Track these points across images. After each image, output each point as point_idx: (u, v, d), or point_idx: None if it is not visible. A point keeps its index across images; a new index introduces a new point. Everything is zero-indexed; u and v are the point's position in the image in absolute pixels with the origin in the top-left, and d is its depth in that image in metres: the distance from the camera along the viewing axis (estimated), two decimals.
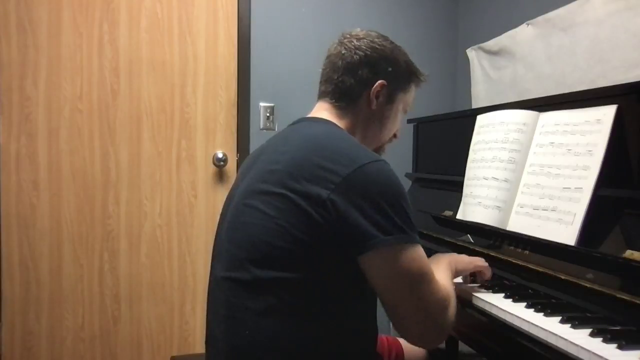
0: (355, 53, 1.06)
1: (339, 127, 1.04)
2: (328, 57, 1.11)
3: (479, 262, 1.18)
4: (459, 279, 1.29)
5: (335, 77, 1.07)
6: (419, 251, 0.89)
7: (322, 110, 1.09)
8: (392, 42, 1.11)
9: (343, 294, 0.87)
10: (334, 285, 0.88)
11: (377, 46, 1.08)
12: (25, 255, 2.09)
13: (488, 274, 1.19)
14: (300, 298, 0.90)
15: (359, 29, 1.11)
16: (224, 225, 1.04)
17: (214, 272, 1.05)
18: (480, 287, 1.20)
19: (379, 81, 1.07)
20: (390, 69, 1.08)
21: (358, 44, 1.07)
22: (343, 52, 1.07)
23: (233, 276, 0.95)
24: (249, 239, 0.93)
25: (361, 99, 1.07)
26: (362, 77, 1.06)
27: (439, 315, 0.90)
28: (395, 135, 1.18)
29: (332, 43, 1.12)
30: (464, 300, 1.15)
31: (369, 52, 1.07)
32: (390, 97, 1.10)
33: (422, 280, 0.88)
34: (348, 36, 1.10)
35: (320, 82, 1.12)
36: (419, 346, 0.96)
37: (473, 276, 1.23)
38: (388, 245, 0.86)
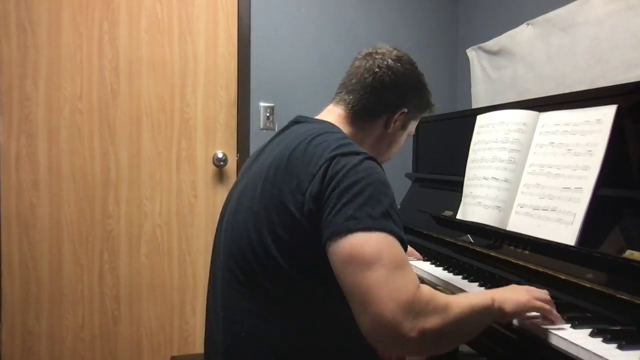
0: (386, 75, 1.06)
1: (337, 127, 1.04)
2: (357, 67, 1.10)
3: (539, 304, 0.93)
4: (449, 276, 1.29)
5: (362, 93, 1.07)
6: (386, 238, 0.81)
7: (332, 115, 1.09)
8: (418, 71, 1.13)
9: (337, 293, 0.85)
10: (326, 283, 0.86)
11: (408, 74, 1.09)
12: (25, 255, 2.09)
13: (556, 319, 0.93)
14: (294, 298, 0.90)
15: (389, 47, 1.11)
16: (222, 226, 1.06)
17: (212, 272, 1.06)
18: (480, 286, 1.20)
19: (403, 109, 1.09)
20: (414, 100, 1.11)
21: (392, 65, 1.07)
22: (375, 69, 1.07)
23: (229, 276, 0.95)
24: (243, 238, 0.93)
25: (379, 120, 1.09)
26: (387, 101, 1.08)
27: (396, 310, 0.75)
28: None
29: (361, 53, 1.11)
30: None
31: (400, 80, 1.08)
32: (405, 123, 1.13)
33: (377, 263, 0.77)
34: (380, 53, 1.09)
35: (343, 87, 1.11)
36: (378, 348, 0.80)
37: None
38: (349, 230, 0.80)
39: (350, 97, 1.08)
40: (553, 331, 0.89)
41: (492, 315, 0.88)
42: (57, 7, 2.10)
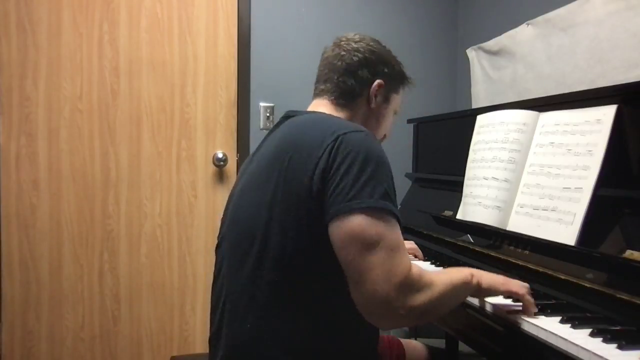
0: (354, 55, 1.11)
1: (328, 114, 1.07)
2: (325, 59, 1.15)
3: (515, 287, 0.99)
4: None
5: (336, 78, 1.11)
6: (386, 220, 0.86)
7: (318, 106, 1.12)
8: (384, 46, 1.17)
9: (341, 284, 0.88)
10: (331, 273, 0.89)
11: (373, 49, 1.13)
12: (25, 255, 2.09)
13: (529, 303, 0.97)
14: (299, 289, 0.92)
15: (352, 33, 1.15)
16: (225, 224, 1.07)
17: (217, 268, 1.07)
18: None
19: (377, 81, 1.11)
20: (386, 70, 1.13)
21: (356, 46, 1.11)
22: (342, 53, 1.11)
23: (234, 270, 0.97)
24: (247, 231, 0.95)
25: (361, 98, 1.12)
26: (362, 78, 1.11)
27: (389, 290, 0.82)
28: (384, 136, 1.22)
29: (327, 46, 1.16)
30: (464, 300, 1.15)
31: (367, 54, 1.11)
32: (386, 97, 1.15)
33: (377, 246, 0.83)
34: (345, 39, 1.14)
35: (318, 81, 1.15)
36: (371, 322, 0.87)
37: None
38: (350, 209, 0.85)
39: (328, 85, 1.12)
40: (553, 331, 0.89)
41: (470, 289, 0.96)
42: (57, 7, 2.10)
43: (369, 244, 0.84)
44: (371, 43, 1.13)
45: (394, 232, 0.86)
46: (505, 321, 1.00)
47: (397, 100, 1.19)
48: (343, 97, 1.11)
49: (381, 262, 0.83)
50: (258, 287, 0.93)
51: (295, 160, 0.92)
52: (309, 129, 0.96)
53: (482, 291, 0.99)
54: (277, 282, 0.92)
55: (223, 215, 1.11)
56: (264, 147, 1.05)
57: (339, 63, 1.11)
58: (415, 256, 1.56)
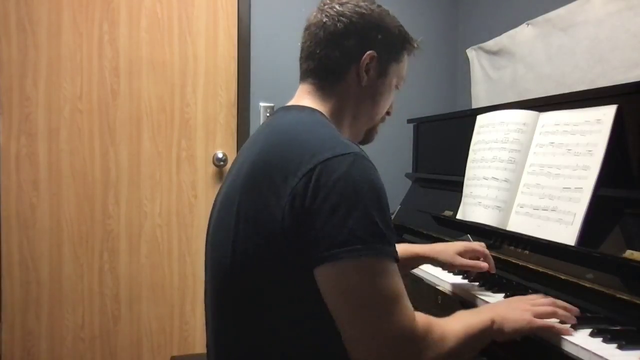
0: (338, 20, 0.92)
1: (315, 114, 0.92)
2: (307, 28, 0.97)
3: (540, 322, 0.87)
4: (458, 279, 1.29)
5: (318, 52, 0.94)
6: (381, 267, 0.74)
7: (304, 95, 0.96)
8: (379, 6, 0.98)
9: (318, 307, 0.77)
10: (308, 298, 0.79)
11: (363, 11, 0.94)
12: (25, 255, 2.09)
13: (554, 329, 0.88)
14: (278, 308, 0.82)
15: None
16: (209, 232, 1.00)
17: (205, 280, 1.01)
18: (480, 286, 1.20)
19: (369, 52, 0.93)
20: (380, 37, 0.95)
21: (341, 9, 0.93)
22: (324, 20, 0.93)
23: (216, 285, 0.90)
24: (225, 247, 0.86)
25: (349, 74, 0.94)
26: (349, 49, 0.93)
27: (386, 352, 0.72)
28: (388, 113, 1.05)
29: (312, 12, 0.98)
30: (464, 300, 1.15)
31: (354, 19, 0.93)
32: (382, 70, 0.96)
33: (371, 300, 0.73)
34: (329, 2, 0.96)
35: (301, 58, 0.98)
36: None
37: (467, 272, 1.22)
38: (339, 258, 0.72)
39: (311, 63, 0.95)
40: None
41: (490, 336, 0.86)
42: (57, 7, 2.10)
43: (361, 299, 0.72)
44: (361, 3, 0.94)
45: (390, 280, 0.74)
46: None
47: (399, 70, 1.00)
48: (328, 76, 0.94)
49: (377, 317, 0.72)
50: (235, 303, 0.85)
51: (266, 185, 0.79)
52: (286, 145, 0.82)
53: (506, 337, 0.87)
54: (251, 298, 0.82)
55: (209, 221, 1.01)
56: (247, 152, 0.93)
57: (321, 32, 0.93)
58: (483, 269, 1.17)
